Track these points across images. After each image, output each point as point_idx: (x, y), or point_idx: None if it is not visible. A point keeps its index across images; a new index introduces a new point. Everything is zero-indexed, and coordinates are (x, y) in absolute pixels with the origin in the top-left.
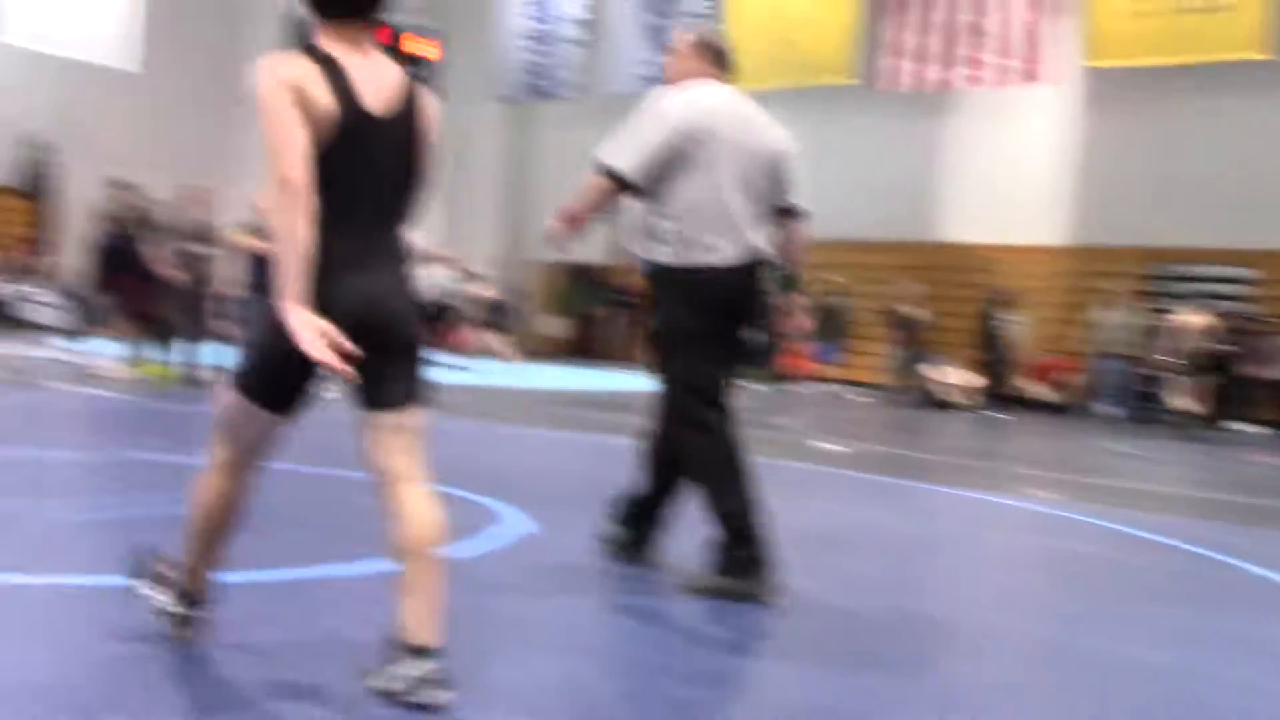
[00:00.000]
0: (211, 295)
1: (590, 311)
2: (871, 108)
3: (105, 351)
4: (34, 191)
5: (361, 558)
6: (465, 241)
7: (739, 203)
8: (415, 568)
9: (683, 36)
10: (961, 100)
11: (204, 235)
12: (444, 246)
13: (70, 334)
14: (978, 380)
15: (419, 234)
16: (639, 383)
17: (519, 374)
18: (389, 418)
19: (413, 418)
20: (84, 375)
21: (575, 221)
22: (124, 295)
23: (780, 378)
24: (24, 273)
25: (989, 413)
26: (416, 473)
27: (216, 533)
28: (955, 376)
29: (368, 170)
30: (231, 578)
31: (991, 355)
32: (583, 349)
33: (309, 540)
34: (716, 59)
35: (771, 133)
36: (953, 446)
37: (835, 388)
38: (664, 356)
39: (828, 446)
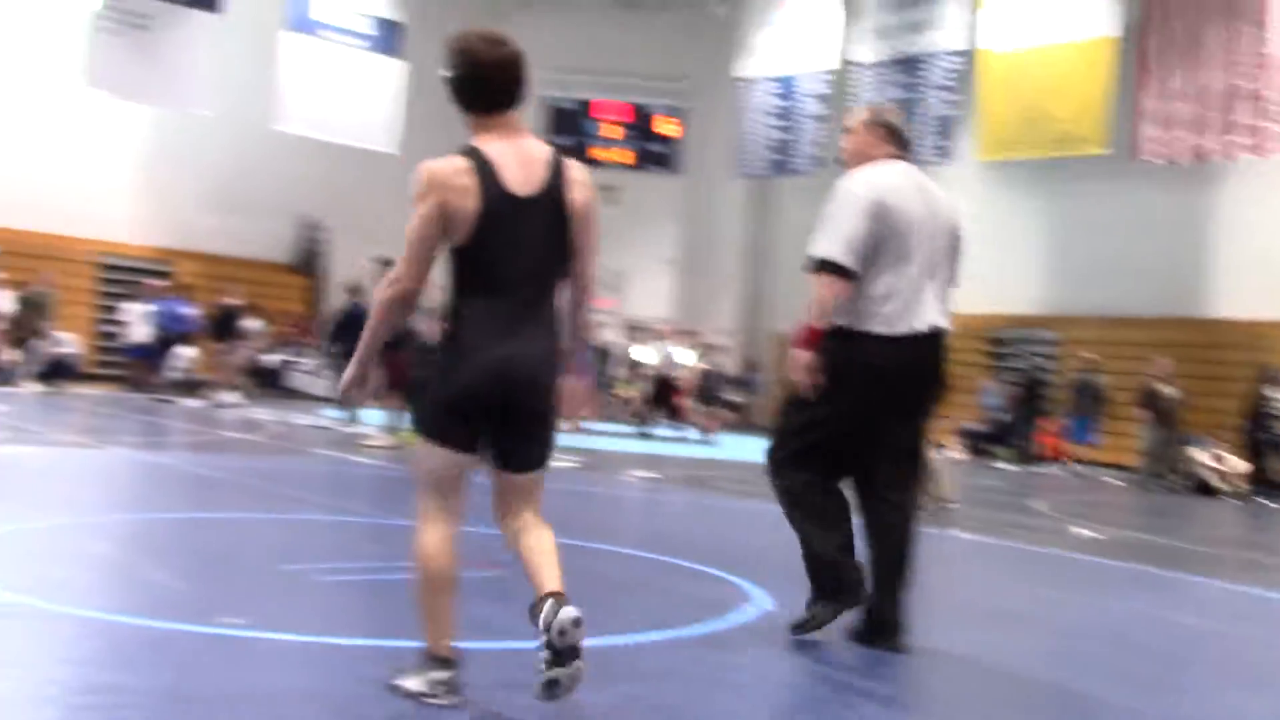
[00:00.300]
0: None
1: None
2: (1127, 178)
3: (371, 420)
4: (307, 268)
5: (629, 629)
6: (706, 314)
7: (921, 278)
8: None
9: (856, 115)
10: (1229, 169)
11: None
12: (684, 319)
13: (338, 403)
14: (1243, 464)
15: (655, 309)
16: None
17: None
18: (522, 480)
19: (538, 479)
20: (352, 443)
21: (816, 339)
22: (384, 366)
23: (1031, 458)
24: (297, 344)
25: (1258, 499)
26: (538, 520)
27: (445, 588)
28: (1219, 459)
29: (514, 246)
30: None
31: (1260, 437)
32: None
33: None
34: (891, 136)
35: (947, 209)
36: (1218, 536)
37: (1087, 469)
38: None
39: (1084, 532)
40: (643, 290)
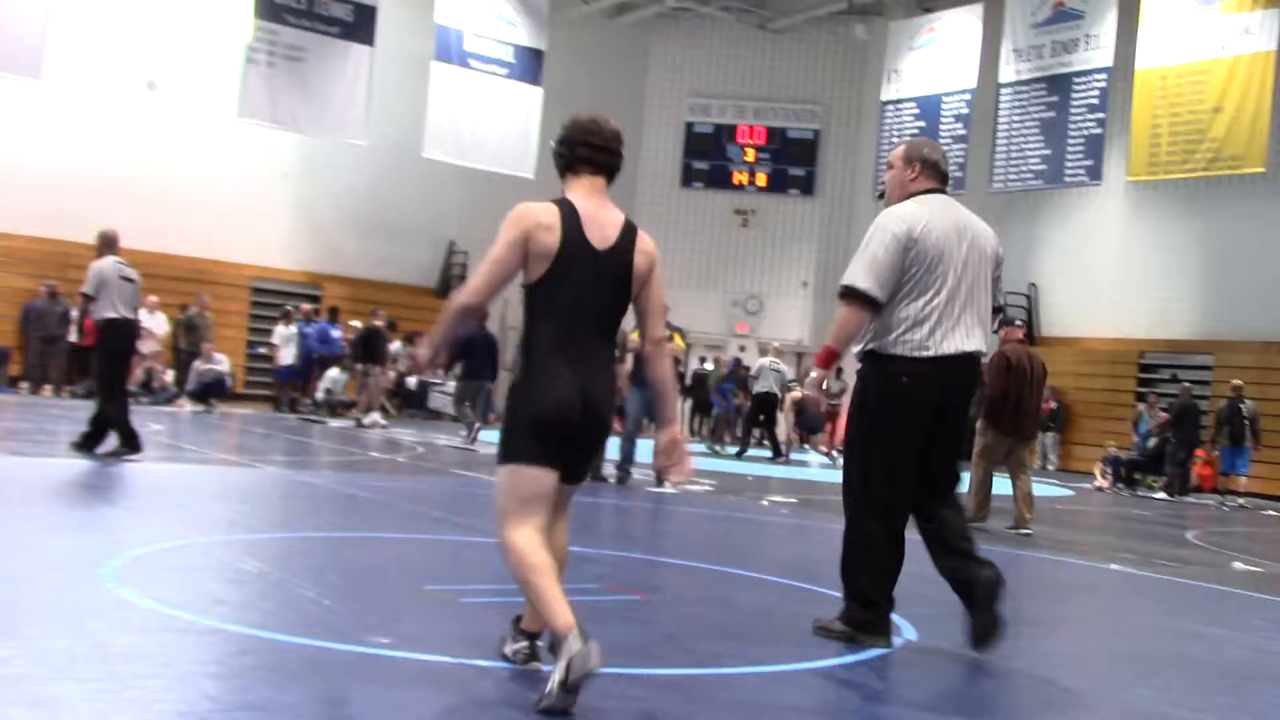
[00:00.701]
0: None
1: (973, 411)
2: None
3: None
4: (447, 291)
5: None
6: None
7: (959, 307)
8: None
9: (895, 151)
10: None
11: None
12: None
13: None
14: None
15: (791, 333)
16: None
17: None
18: (569, 489)
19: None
20: (487, 465)
21: (833, 359)
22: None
23: (1185, 488)
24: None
25: None
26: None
27: (544, 570)
28: None
29: (588, 291)
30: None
31: None
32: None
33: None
34: (928, 169)
35: (986, 237)
36: None
37: (1242, 500)
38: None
39: (1245, 567)
40: (778, 313)
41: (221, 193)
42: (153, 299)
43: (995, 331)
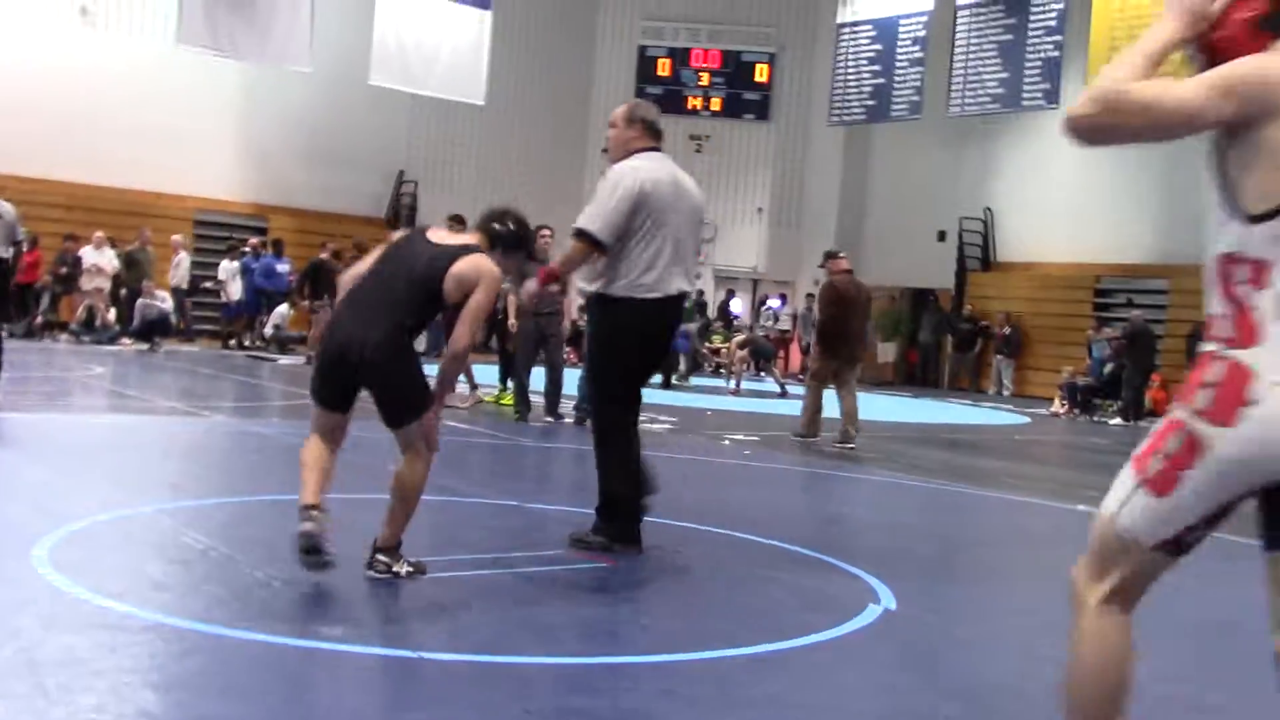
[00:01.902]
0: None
1: (928, 339)
2: None
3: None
4: (397, 223)
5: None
6: (797, 264)
7: (676, 255)
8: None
9: (618, 111)
10: None
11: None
12: (774, 269)
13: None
14: None
15: (746, 259)
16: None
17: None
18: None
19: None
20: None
21: (552, 278)
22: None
23: (1140, 413)
24: None
25: None
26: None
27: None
28: None
29: (385, 273)
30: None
31: None
32: (912, 376)
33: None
34: (649, 129)
35: (695, 194)
36: None
37: None
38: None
39: None
40: (734, 240)
41: (162, 123)
42: (99, 234)
43: (821, 265)
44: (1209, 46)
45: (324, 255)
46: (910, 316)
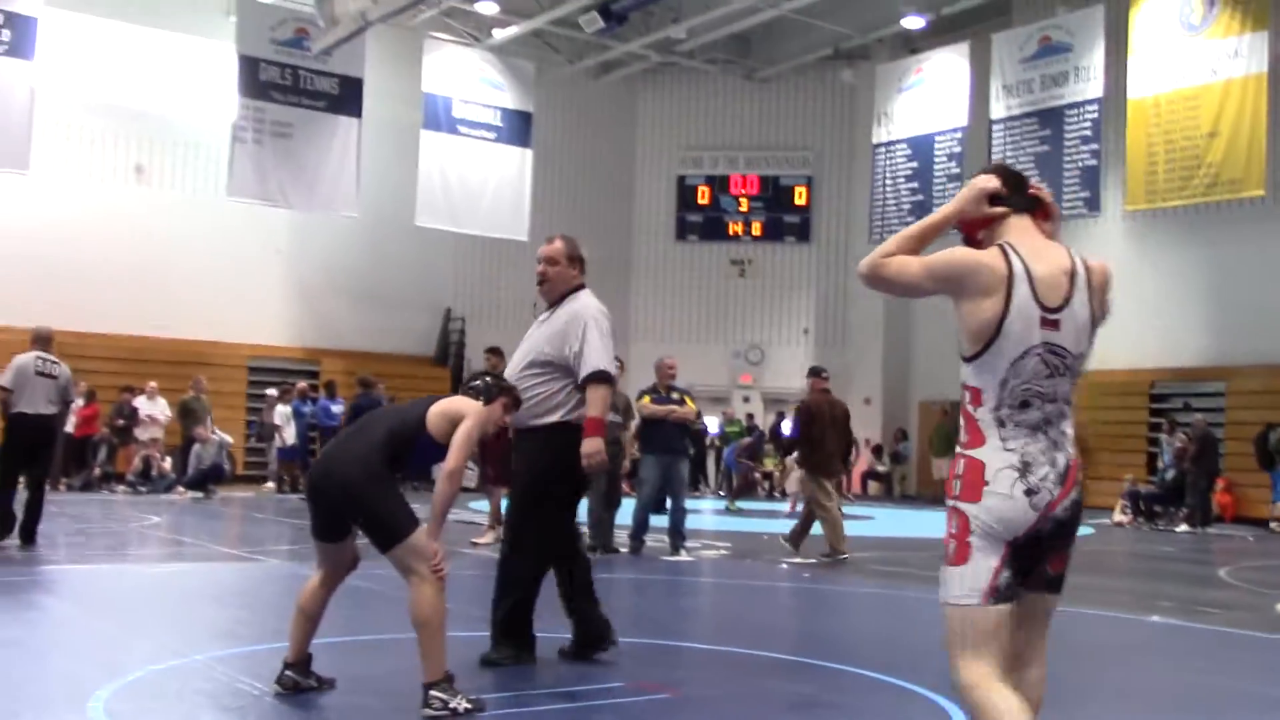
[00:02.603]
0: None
1: None
2: None
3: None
4: (445, 359)
5: None
6: (846, 383)
7: None
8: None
9: (555, 247)
10: None
11: (618, 406)
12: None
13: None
14: None
15: (795, 381)
16: None
17: (921, 521)
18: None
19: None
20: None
21: (600, 430)
22: (488, 460)
23: (1206, 520)
24: None
25: None
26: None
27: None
28: None
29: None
30: None
31: None
32: None
33: None
34: (583, 266)
35: None
36: None
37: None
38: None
39: None
40: (781, 362)
41: (215, 273)
42: (151, 385)
43: (807, 378)
44: (960, 224)
45: (378, 395)
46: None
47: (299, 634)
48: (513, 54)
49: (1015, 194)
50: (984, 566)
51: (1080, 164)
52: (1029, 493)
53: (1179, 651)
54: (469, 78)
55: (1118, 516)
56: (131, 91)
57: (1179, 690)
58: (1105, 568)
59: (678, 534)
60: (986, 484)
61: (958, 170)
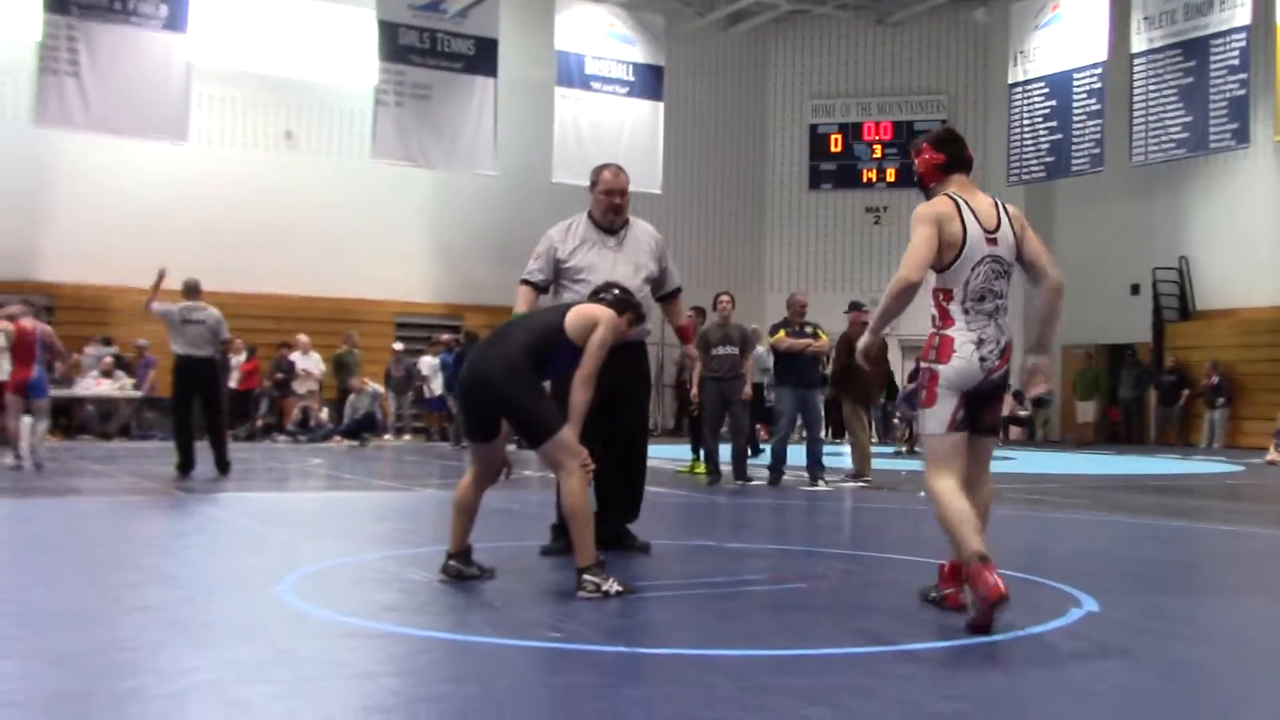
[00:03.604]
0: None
1: (1129, 395)
2: None
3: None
4: None
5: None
6: None
7: None
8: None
9: (626, 179)
10: None
11: (734, 339)
12: None
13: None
14: None
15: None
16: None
17: (1064, 461)
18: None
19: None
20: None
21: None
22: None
23: None
24: None
25: None
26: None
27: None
28: None
29: None
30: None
31: None
32: (1115, 434)
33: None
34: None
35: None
36: None
37: None
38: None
39: None
40: (915, 308)
41: (362, 234)
42: (304, 339)
43: (846, 312)
44: (920, 181)
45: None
46: (1108, 373)
47: (458, 528)
48: (643, 8)
49: (955, 158)
50: (947, 406)
51: (1228, 95)
52: (981, 360)
53: None
54: (600, 34)
55: (1271, 455)
56: (279, 60)
57: None
58: (1251, 497)
59: (817, 464)
60: (955, 352)
61: (1098, 107)
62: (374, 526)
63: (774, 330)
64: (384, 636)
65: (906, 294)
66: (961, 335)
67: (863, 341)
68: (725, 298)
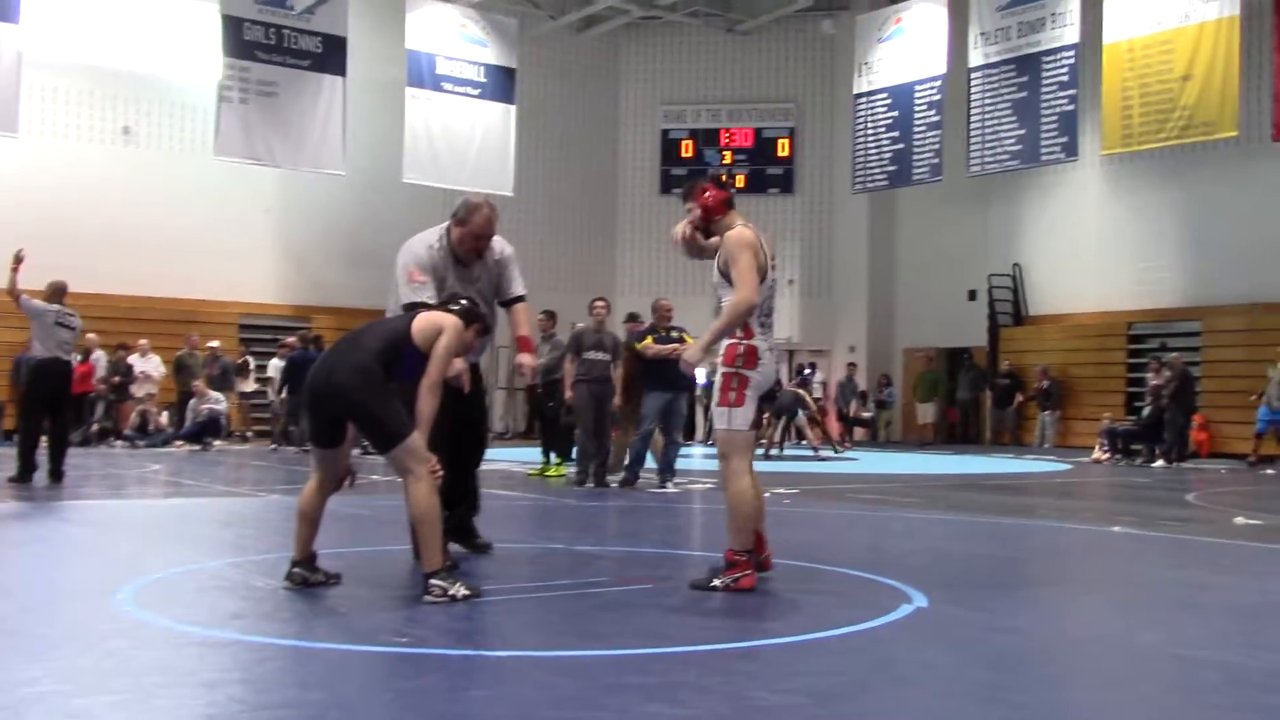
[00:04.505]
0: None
1: (966, 396)
2: (1260, 160)
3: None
4: None
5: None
6: (831, 332)
7: None
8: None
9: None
10: None
11: (607, 345)
12: (809, 339)
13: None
14: None
15: (780, 331)
16: (1019, 466)
17: (905, 461)
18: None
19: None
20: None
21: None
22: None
23: (1183, 455)
24: None
25: None
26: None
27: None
28: None
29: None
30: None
31: None
32: (953, 435)
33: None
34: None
35: None
36: None
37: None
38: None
39: (1246, 521)
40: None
41: (204, 233)
42: (143, 342)
43: (625, 322)
44: (704, 216)
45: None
46: (947, 376)
47: (302, 535)
48: (495, 10)
49: (730, 197)
50: (752, 407)
51: (1058, 110)
52: (774, 366)
53: (1131, 553)
54: (452, 35)
55: (1096, 454)
56: (118, 53)
57: (1126, 579)
58: (1077, 495)
59: (669, 468)
60: (760, 359)
61: (937, 118)
62: (217, 533)
63: (640, 337)
64: (228, 644)
65: (748, 314)
66: (762, 345)
67: (692, 354)
68: (601, 303)
